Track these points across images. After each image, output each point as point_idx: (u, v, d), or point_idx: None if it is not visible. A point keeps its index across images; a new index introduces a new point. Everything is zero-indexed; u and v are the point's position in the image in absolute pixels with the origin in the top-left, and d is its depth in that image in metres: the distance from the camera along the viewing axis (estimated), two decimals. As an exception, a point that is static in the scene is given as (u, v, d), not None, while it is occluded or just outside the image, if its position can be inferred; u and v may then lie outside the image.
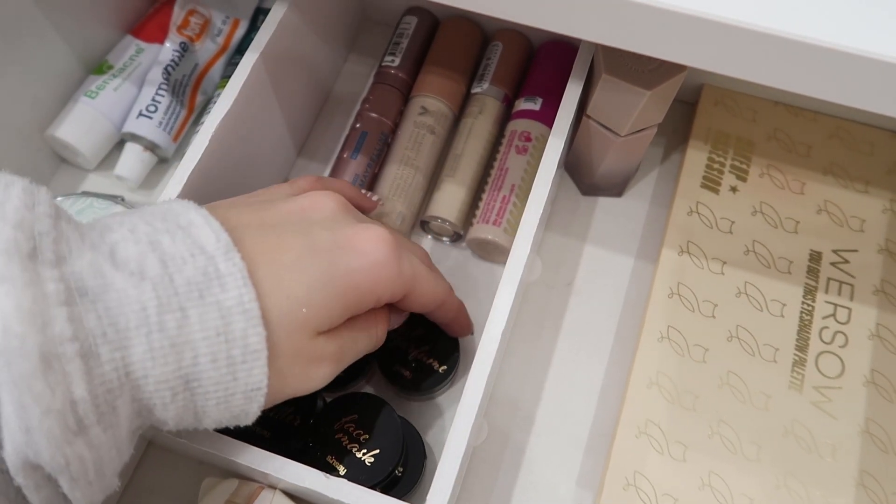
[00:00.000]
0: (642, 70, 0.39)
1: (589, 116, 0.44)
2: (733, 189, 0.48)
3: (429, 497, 0.31)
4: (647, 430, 0.41)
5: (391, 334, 0.42)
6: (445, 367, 0.42)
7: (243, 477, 0.40)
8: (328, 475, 0.32)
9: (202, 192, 0.40)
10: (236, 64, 0.53)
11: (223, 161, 0.41)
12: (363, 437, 0.38)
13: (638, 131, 0.43)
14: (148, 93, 0.50)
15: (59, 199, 0.47)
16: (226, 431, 0.34)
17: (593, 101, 0.42)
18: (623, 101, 0.40)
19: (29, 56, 0.47)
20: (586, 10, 0.29)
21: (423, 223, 0.49)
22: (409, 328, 0.43)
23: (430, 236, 0.50)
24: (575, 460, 0.43)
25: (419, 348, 0.43)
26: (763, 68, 0.28)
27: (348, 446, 0.38)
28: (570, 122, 0.41)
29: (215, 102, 0.46)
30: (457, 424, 0.33)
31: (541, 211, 0.39)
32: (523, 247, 0.38)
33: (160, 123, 0.49)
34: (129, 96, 0.51)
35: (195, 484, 0.43)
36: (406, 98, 0.51)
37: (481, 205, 0.47)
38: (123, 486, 0.42)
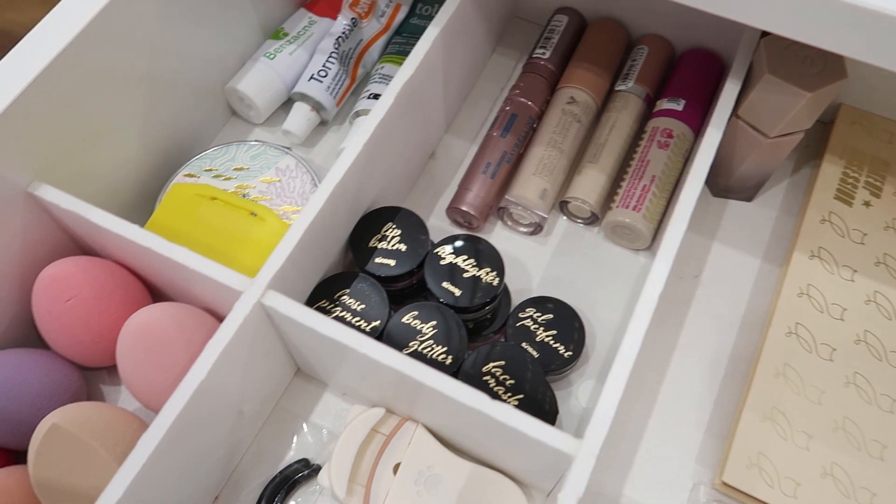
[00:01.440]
0: (804, 73, 0.42)
1: (738, 117, 0.46)
2: (867, 204, 0.49)
3: (588, 432, 0.34)
4: (772, 417, 0.43)
5: (520, 313, 0.45)
6: (571, 353, 0.45)
7: (389, 410, 0.44)
8: (494, 398, 0.35)
9: (380, 144, 0.44)
10: (398, 44, 0.58)
11: (396, 120, 0.45)
12: (509, 381, 0.41)
13: (785, 135, 0.46)
14: (319, 60, 0.55)
15: (235, 143, 0.51)
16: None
17: (748, 101, 0.45)
18: (780, 102, 0.43)
19: (218, 19, 0.51)
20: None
21: (562, 203, 0.52)
22: (540, 310, 0.46)
23: (564, 217, 0.53)
24: (694, 439, 0.45)
25: (547, 331, 0.45)
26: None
27: (494, 388, 0.41)
28: (725, 122, 0.43)
29: (377, 76, 0.50)
30: (615, 370, 0.35)
31: (692, 208, 0.41)
32: (673, 243, 0.39)
33: (328, 88, 0.54)
34: (300, 61, 0.55)
35: (335, 413, 0.46)
36: (552, 88, 0.55)
37: (621, 191, 0.50)
38: (270, 409, 0.46)
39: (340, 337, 0.37)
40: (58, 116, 0.41)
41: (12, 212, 0.41)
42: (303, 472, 0.44)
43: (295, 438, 0.45)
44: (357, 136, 0.42)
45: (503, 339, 0.47)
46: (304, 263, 0.41)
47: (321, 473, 0.42)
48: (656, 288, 0.38)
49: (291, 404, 0.46)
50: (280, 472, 0.44)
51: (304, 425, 0.46)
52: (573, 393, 0.47)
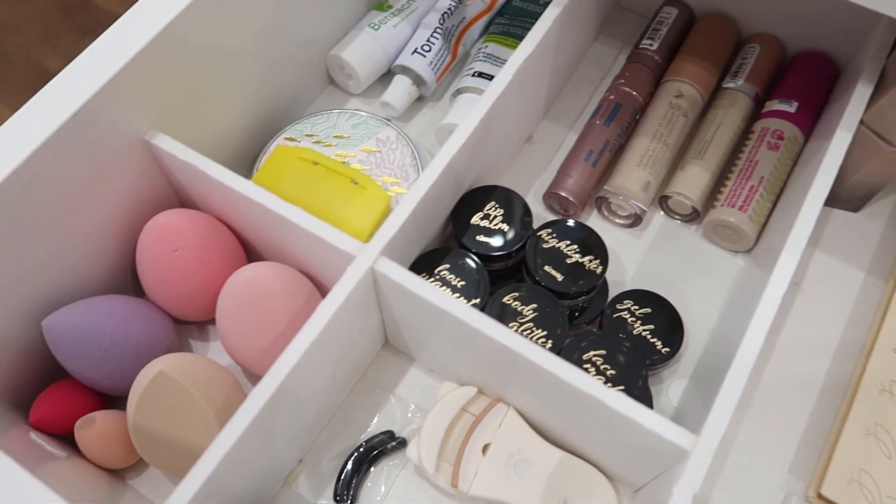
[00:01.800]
0: (944, 82, 0.40)
1: (863, 123, 0.45)
2: (983, 223, 0.47)
3: (705, 428, 0.33)
4: (875, 433, 0.41)
5: (618, 304, 0.45)
6: (668, 349, 0.44)
7: (480, 390, 0.43)
8: (608, 384, 0.34)
9: (492, 122, 0.43)
10: (502, 24, 0.57)
11: (508, 99, 0.44)
12: (609, 371, 0.41)
13: (911, 144, 0.44)
14: (423, 34, 0.54)
15: (336, 111, 0.51)
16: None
17: (876, 108, 0.43)
18: (914, 110, 0.41)
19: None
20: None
21: (662, 198, 0.50)
22: (638, 303, 0.45)
23: (662, 212, 0.51)
24: (789, 449, 0.44)
25: (644, 325, 0.44)
26: None
27: (595, 377, 0.40)
28: (854, 128, 0.42)
29: (481, 55, 0.49)
30: (734, 369, 0.35)
31: (815, 219, 0.39)
32: (793, 255, 0.38)
33: (431, 63, 0.53)
34: (403, 35, 0.55)
35: (421, 388, 0.46)
36: (657, 80, 0.54)
37: (726, 190, 0.48)
38: (356, 379, 0.46)
39: (452, 309, 0.36)
40: (177, 70, 0.41)
41: (128, 159, 0.41)
42: (389, 444, 0.43)
43: (379, 410, 0.45)
44: (474, 112, 0.42)
45: (596, 329, 0.46)
46: (411, 234, 0.41)
47: (409, 447, 0.42)
48: (776, 299, 0.37)
49: (377, 376, 0.46)
50: (365, 442, 0.44)
51: (391, 397, 0.45)
52: (664, 391, 0.46)
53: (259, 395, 0.34)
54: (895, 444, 0.41)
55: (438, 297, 0.37)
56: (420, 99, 0.56)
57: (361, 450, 0.43)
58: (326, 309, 0.36)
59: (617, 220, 0.51)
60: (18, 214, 0.36)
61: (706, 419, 0.33)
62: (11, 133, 0.36)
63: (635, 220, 0.50)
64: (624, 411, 0.33)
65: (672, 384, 0.46)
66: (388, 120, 0.51)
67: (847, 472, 0.40)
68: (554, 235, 0.44)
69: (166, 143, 0.41)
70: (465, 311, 0.36)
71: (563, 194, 0.49)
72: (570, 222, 0.45)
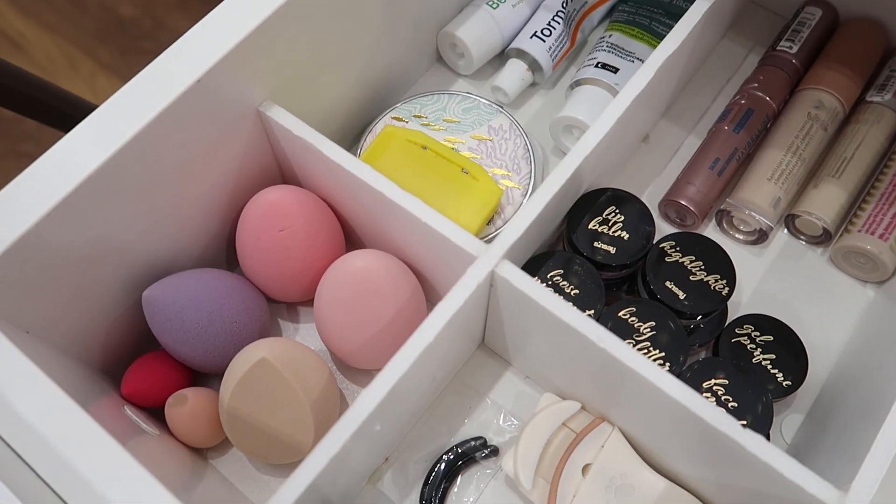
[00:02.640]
0: None
1: None
2: None
3: (855, 485, 0.30)
4: None
5: (737, 328, 0.41)
6: (790, 382, 0.40)
7: (583, 406, 0.41)
8: (741, 421, 0.31)
9: (625, 120, 0.40)
10: (626, 12, 0.53)
11: (644, 97, 0.41)
12: (731, 403, 0.38)
13: None
14: (544, 17, 0.51)
15: (446, 93, 0.48)
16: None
17: None
18: None
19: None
20: None
21: (789, 216, 0.47)
22: (759, 329, 0.41)
23: (786, 231, 0.48)
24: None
25: (765, 354, 0.41)
26: None
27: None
28: None
29: (604, 45, 0.46)
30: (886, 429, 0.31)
31: None
32: None
33: (549, 48, 0.50)
34: (521, 16, 0.52)
35: (516, 394, 0.44)
36: (793, 86, 0.49)
37: (864, 214, 0.44)
38: (450, 379, 0.44)
39: (577, 324, 0.34)
40: (296, 40, 0.39)
41: (241, 130, 0.39)
42: (482, 452, 0.41)
43: (471, 413, 0.43)
44: (609, 112, 0.39)
45: (710, 354, 0.43)
46: (531, 238, 0.38)
47: (505, 458, 0.40)
48: None
49: (471, 378, 0.44)
50: (457, 447, 0.42)
51: (485, 401, 0.43)
52: (776, 425, 0.43)
53: (368, 400, 0.32)
54: None
55: (562, 308, 0.34)
56: (532, 85, 0.53)
57: (452, 455, 0.41)
58: (444, 312, 0.34)
59: (738, 236, 0.47)
60: (133, 179, 0.35)
61: (856, 474, 0.30)
62: (133, 96, 0.34)
63: (759, 238, 0.47)
64: (762, 456, 0.31)
65: (786, 419, 0.43)
66: (501, 107, 0.48)
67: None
68: (678, 249, 0.41)
69: (280, 116, 0.39)
70: (590, 327, 0.34)
71: (683, 203, 0.46)
72: (697, 236, 0.42)
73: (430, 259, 0.39)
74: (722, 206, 0.47)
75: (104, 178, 0.33)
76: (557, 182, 0.37)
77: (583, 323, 0.34)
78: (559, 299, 0.34)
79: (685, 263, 0.41)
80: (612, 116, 0.38)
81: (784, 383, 0.40)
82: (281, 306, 0.46)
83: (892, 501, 0.39)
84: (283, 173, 0.45)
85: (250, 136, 0.40)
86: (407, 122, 0.48)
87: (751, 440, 0.31)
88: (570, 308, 0.34)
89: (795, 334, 0.42)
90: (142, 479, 0.28)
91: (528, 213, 0.36)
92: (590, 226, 0.42)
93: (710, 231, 0.48)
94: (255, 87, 0.38)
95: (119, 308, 0.40)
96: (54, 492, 0.28)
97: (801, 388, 0.43)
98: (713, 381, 0.38)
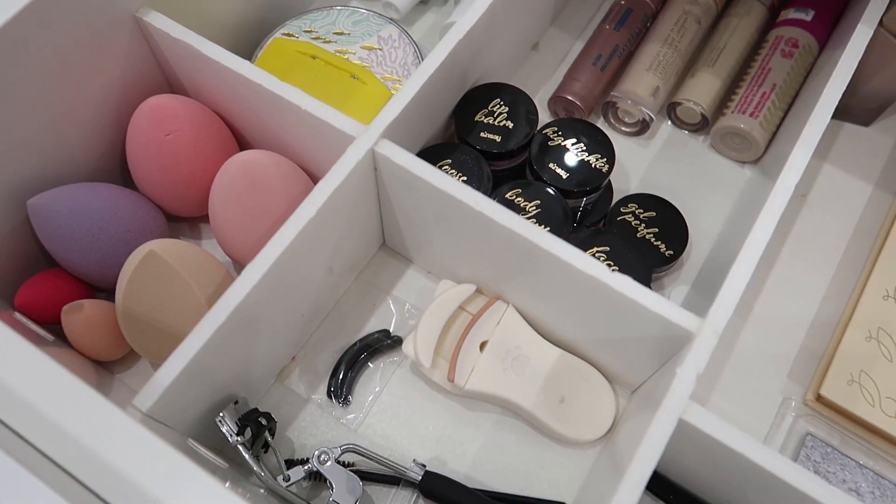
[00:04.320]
0: (971, -24, 0.39)
1: (882, 25, 0.43)
2: None
3: (711, 312, 0.32)
4: (878, 337, 0.41)
5: (622, 207, 0.44)
6: (672, 251, 0.43)
7: (479, 289, 0.42)
8: (611, 266, 0.33)
9: (493, 19, 0.41)
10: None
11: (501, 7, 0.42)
12: (612, 268, 0.40)
13: (930, 48, 0.43)
14: (428, -69, 0.52)
15: (336, 7, 0.49)
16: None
17: (897, 7, 0.42)
18: (937, 7, 0.40)
19: None
20: None
21: (670, 106, 0.49)
22: (643, 207, 0.44)
23: (670, 122, 0.50)
24: (787, 354, 0.43)
25: (648, 228, 0.43)
26: None
27: (599, 272, 0.39)
28: (871, 32, 0.41)
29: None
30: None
31: (824, 127, 0.38)
32: (799, 163, 0.37)
33: (435, -39, 0.51)
34: (407, -68, 0.53)
35: (418, 289, 0.45)
36: (670, -12, 0.52)
37: (737, 97, 0.47)
38: (352, 278, 0.45)
39: (456, 192, 0.35)
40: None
41: (118, 38, 0.39)
42: (384, 342, 0.43)
43: (376, 310, 0.44)
44: (476, 5, 0.40)
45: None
46: (413, 122, 0.39)
47: (405, 343, 0.41)
48: (779, 205, 0.35)
49: (374, 277, 0.45)
50: (360, 340, 0.43)
51: (388, 298, 0.45)
52: (665, 297, 0.45)
53: (250, 275, 0.33)
54: (897, 348, 0.41)
55: (440, 179, 0.35)
56: (424, 2, 0.54)
57: (357, 347, 0.43)
58: (324, 188, 0.35)
59: (623, 128, 0.50)
60: (2, 79, 0.35)
61: (713, 304, 0.33)
62: (-7, -9, 0.34)
63: (642, 128, 0.49)
64: (630, 294, 0.33)
65: (674, 290, 0.45)
66: (391, 19, 0.49)
67: (847, 373, 0.40)
68: (560, 133, 0.43)
69: (159, 21, 0.39)
70: (468, 193, 0.35)
71: (569, 98, 0.48)
72: (577, 120, 0.43)
73: (318, 152, 0.40)
74: (607, 99, 0.49)
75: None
76: (433, 65, 0.38)
77: (460, 190, 0.35)
78: (438, 171, 0.35)
79: (567, 146, 0.43)
80: (476, 11, 0.40)
81: (667, 253, 0.43)
82: (182, 225, 0.47)
83: (740, 345, 0.42)
84: (170, 85, 0.45)
85: (131, 45, 0.40)
86: (297, 37, 0.48)
87: (619, 281, 0.33)
88: (448, 178, 0.35)
89: (675, 208, 0.44)
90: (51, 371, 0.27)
91: (404, 94, 0.37)
92: (476, 117, 0.44)
93: (598, 125, 0.50)
94: (128, -9, 0.38)
95: (9, 223, 0.39)
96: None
97: (685, 261, 0.46)
98: (595, 249, 0.40)
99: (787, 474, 0.30)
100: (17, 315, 0.38)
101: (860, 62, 0.45)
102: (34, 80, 0.36)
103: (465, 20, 0.40)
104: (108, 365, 0.42)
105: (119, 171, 0.45)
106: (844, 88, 0.39)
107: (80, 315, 0.39)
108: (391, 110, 0.37)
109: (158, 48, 0.41)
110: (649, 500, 0.40)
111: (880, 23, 0.43)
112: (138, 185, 0.43)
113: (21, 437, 0.24)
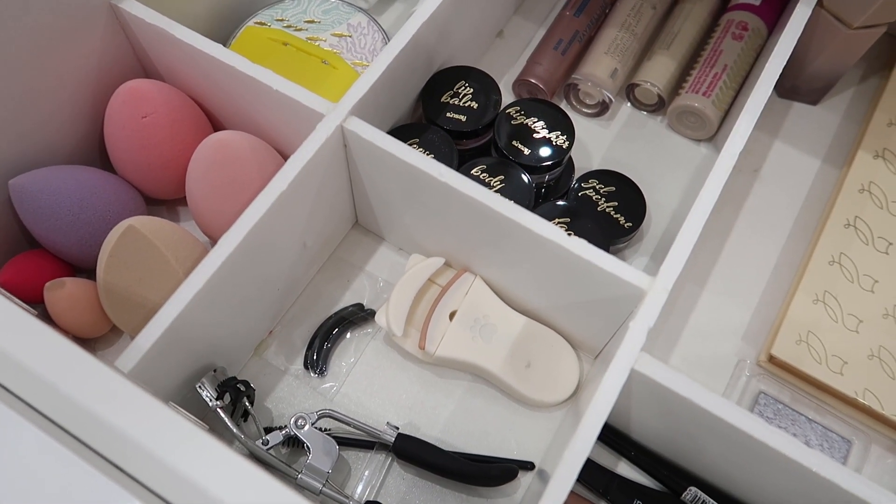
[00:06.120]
0: (900, -42, 0.41)
1: (822, 5, 0.46)
2: (934, 113, 0.49)
3: (661, 270, 0.34)
4: (824, 300, 0.43)
5: (583, 183, 0.46)
6: (630, 223, 0.45)
7: (447, 263, 0.44)
8: (569, 233, 0.35)
9: (457, 5, 0.44)
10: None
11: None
12: (568, 233, 0.42)
13: (868, 27, 0.45)
14: (396, -76, 0.54)
15: (307, -3, 0.51)
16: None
17: (835, -12, 0.44)
18: (871, -12, 0.42)
19: None
20: None
21: (629, 87, 0.51)
22: (603, 182, 0.46)
23: (629, 104, 0.52)
24: (742, 319, 0.45)
25: (608, 202, 0.46)
26: None
27: (560, 241, 0.41)
28: (809, 12, 0.43)
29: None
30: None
31: (765, 99, 0.40)
32: (742, 133, 0.39)
33: (403, -47, 0.53)
34: (375, -75, 0.55)
35: (390, 265, 0.47)
36: (627, -24, 0.54)
37: (691, 78, 0.49)
38: (327, 255, 0.47)
39: (422, 165, 0.37)
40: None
41: (94, 25, 0.41)
42: (359, 315, 0.44)
43: (350, 285, 0.46)
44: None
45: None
46: (381, 101, 0.41)
47: (378, 314, 0.43)
48: (724, 170, 0.38)
49: (348, 255, 0.47)
50: (335, 313, 0.44)
51: (361, 274, 0.46)
52: (626, 268, 0.47)
53: (226, 244, 0.35)
54: (841, 308, 0.43)
55: (406, 152, 0.37)
56: (393, -9, 0.56)
57: (331, 321, 0.44)
58: (295, 163, 0.36)
59: (585, 110, 0.52)
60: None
61: (662, 264, 0.35)
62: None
63: (602, 109, 0.51)
64: (586, 256, 0.35)
65: (634, 260, 0.47)
66: (360, 8, 0.51)
67: (796, 334, 0.42)
68: (522, 113, 0.45)
69: (134, 8, 0.41)
70: (433, 165, 0.37)
71: (532, 80, 0.50)
72: (538, 100, 0.46)
73: (289, 131, 0.42)
74: (568, 82, 0.51)
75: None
76: (398, 45, 0.40)
77: (425, 163, 0.37)
78: (404, 145, 0.37)
79: (529, 124, 0.45)
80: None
81: (626, 225, 0.45)
82: (160, 207, 0.48)
83: (697, 310, 0.44)
84: (145, 70, 0.46)
85: (106, 31, 0.42)
86: (269, 25, 0.50)
87: (576, 244, 0.35)
88: (413, 151, 0.37)
89: (634, 184, 0.46)
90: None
91: (371, 73, 0.39)
92: (442, 98, 0.45)
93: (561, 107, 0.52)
94: (103, -22, 0.40)
95: (-11, 205, 0.41)
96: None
97: (644, 234, 0.48)
98: (556, 220, 0.42)
99: (731, 416, 0.32)
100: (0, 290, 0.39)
101: (805, 43, 0.48)
102: (8, 60, 0.37)
103: (428, 3, 0.42)
104: (90, 343, 0.44)
105: (98, 156, 0.46)
106: (785, 63, 0.42)
107: (62, 292, 0.40)
108: (359, 88, 0.39)
109: (133, 34, 0.43)
110: (612, 457, 0.42)
111: (820, 3, 0.46)
112: (117, 168, 0.44)
113: (8, 389, 0.25)
